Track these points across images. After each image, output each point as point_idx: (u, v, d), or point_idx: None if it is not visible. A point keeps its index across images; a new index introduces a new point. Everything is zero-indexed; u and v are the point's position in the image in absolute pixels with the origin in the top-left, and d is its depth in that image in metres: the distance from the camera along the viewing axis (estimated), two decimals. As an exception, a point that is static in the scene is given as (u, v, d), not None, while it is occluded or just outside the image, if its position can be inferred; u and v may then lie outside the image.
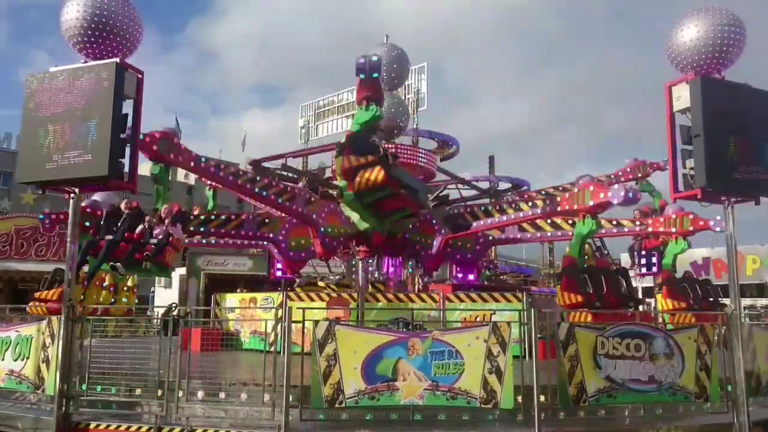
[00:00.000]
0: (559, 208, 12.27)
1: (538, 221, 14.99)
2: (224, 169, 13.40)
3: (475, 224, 15.14)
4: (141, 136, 10.05)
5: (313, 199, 15.50)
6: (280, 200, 14.27)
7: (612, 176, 17.26)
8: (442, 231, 15.62)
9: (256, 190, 13.81)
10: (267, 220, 15.57)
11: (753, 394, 8.77)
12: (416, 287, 18.46)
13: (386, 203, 13.01)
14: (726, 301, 10.68)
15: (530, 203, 14.00)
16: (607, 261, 14.15)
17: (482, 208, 15.65)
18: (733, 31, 9.03)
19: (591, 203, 11.19)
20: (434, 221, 15.88)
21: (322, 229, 14.90)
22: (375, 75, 11.73)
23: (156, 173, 12.28)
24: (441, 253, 15.87)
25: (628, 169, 17.50)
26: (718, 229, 13.56)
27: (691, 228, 14.12)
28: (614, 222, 14.40)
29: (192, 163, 12.26)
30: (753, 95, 9.00)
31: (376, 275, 17.63)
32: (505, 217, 14.52)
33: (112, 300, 15.28)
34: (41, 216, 14.98)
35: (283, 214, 15.08)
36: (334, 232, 15.11)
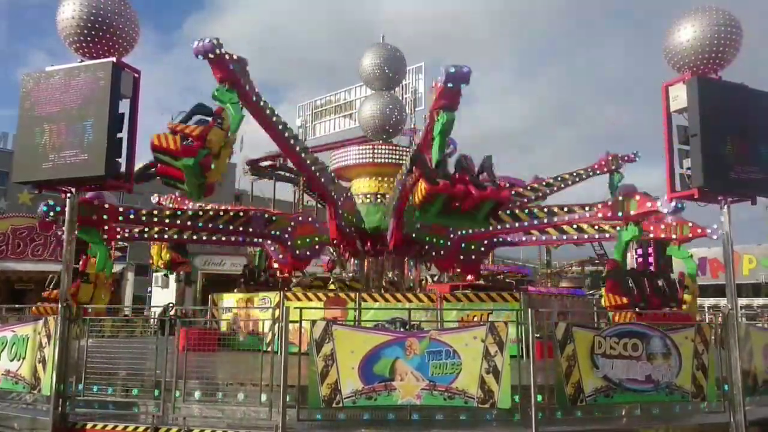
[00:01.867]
0: (600, 215, 12.34)
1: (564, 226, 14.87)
2: (277, 116, 12.44)
3: (508, 226, 14.83)
4: (217, 48, 9.71)
5: (274, 217, 15.50)
6: (231, 227, 14.41)
7: (588, 169, 18.45)
8: (458, 232, 15.49)
9: (200, 224, 14.00)
10: (274, 218, 15.58)
11: (749, 393, 8.80)
12: (420, 287, 18.48)
13: (454, 207, 12.03)
14: (721, 301, 10.69)
15: (565, 209, 13.82)
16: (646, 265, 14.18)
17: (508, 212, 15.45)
18: (730, 31, 9.04)
19: (636, 212, 11.56)
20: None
21: (289, 243, 14.90)
22: (463, 85, 10.70)
23: (220, 95, 10.58)
24: (454, 253, 15.76)
25: (602, 162, 18.58)
26: (715, 237, 13.64)
27: (690, 235, 14.10)
28: (565, 209, 14.19)
29: (254, 98, 11.24)
30: (749, 95, 9.03)
31: (389, 276, 17.64)
32: (536, 221, 14.13)
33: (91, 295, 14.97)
34: (44, 207, 14.01)
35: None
36: (304, 243, 15.01)
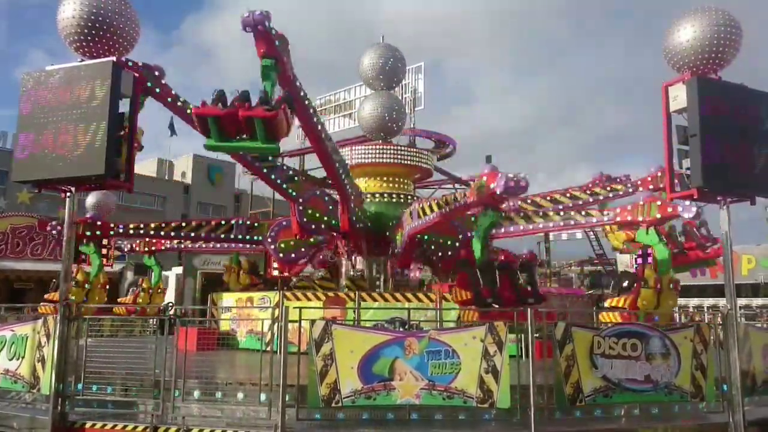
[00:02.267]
0: (619, 219, 11.84)
1: (532, 215, 14.85)
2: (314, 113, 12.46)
3: (521, 228, 14.77)
4: (266, 20, 9.08)
5: (256, 224, 15.80)
6: (213, 235, 14.99)
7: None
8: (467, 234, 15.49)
9: (182, 234, 14.72)
10: (256, 224, 15.73)
11: (748, 393, 8.79)
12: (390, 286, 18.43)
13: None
14: (720, 301, 10.64)
15: (583, 213, 13.70)
16: (512, 255, 13.07)
17: (521, 214, 15.42)
18: (730, 31, 9.04)
19: (658, 216, 11.12)
20: (456, 223, 15.79)
21: (273, 247, 15.02)
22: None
23: (267, 70, 9.70)
24: (409, 250, 15.83)
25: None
26: (686, 215, 12.88)
27: (658, 215, 13.26)
28: (583, 213, 14.03)
29: (292, 78, 10.54)
30: (749, 95, 9.03)
31: (354, 272, 17.71)
32: (551, 224, 14.01)
33: (85, 298, 15.39)
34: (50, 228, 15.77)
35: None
36: (288, 246, 14.97)
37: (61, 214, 13.69)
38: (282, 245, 15.17)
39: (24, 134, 8.88)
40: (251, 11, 9.08)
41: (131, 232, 15.87)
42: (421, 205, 14.66)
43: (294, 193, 14.53)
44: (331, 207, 15.35)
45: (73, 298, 12.77)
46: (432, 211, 13.87)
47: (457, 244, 15.46)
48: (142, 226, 15.90)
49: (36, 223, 28.54)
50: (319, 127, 13.02)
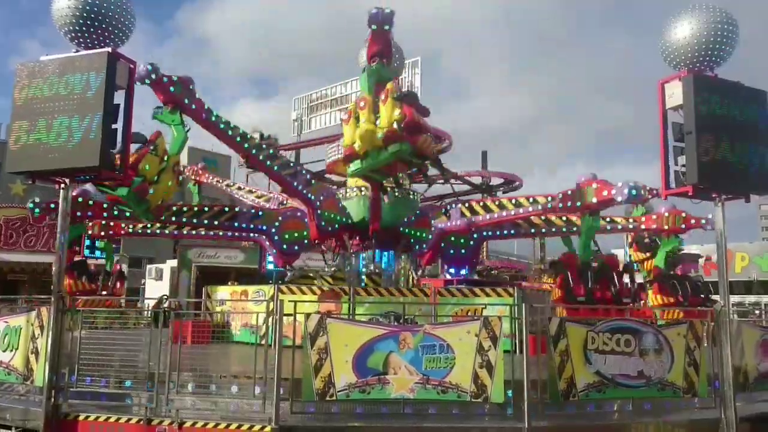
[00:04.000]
0: (561, 205, 12.31)
1: (532, 218, 15.07)
2: (233, 128, 12.83)
3: (474, 219, 15.16)
4: (153, 73, 10.10)
5: (261, 213, 15.64)
6: (215, 222, 14.58)
7: (550, 199, 14.04)
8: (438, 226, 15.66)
9: (261, 157, 13.71)
10: (260, 213, 15.56)
11: (740, 389, 8.86)
12: (410, 282, 18.49)
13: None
14: (716, 297, 10.79)
15: (531, 199, 14.06)
16: (615, 259, 13.80)
17: (481, 203, 15.76)
18: (726, 29, 9.06)
19: (594, 200, 11.43)
20: (429, 215, 15.94)
21: (276, 237, 15.01)
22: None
23: (161, 117, 11.23)
24: (435, 248, 15.90)
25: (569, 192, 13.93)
26: (709, 227, 13.90)
27: (683, 226, 14.48)
28: (608, 219, 14.51)
29: (204, 115, 11.64)
30: (744, 93, 9.05)
31: (371, 268, 17.65)
32: (504, 213, 14.60)
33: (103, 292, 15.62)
34: (30, 205, 15.07)
35: (277, 207, 15.11)
36: (331, 217, 15.18)
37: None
38: (285, 236, 15.20)
39: (18, 125, 8.82)
40: (139, 65, 9.76)
41: (127, 214, 14.84)
42: (467, 205, 15.02)
43: (312, 197, 14.61)
44: (306, 219, 15.44)
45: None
46: (488, 210, 14.54)
47: (430, 236, 15.74)
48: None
49: (29, 215, 28.40)
50: (254, 151, 13.45)
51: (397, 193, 16.35)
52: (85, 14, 8.95)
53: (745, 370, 9.10)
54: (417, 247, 16.33)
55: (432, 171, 24.72)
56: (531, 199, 14.16)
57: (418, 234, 16.04)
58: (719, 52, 9.12)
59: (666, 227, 14.48)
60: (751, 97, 9.06)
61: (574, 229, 14.79)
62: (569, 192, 12.02)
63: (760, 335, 9.69)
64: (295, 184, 14.21)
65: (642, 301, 14.74)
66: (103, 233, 17.82)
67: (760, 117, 9.06)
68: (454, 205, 16.48)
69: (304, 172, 15.27)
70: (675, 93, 8.95)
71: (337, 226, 15.39)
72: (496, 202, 15.56)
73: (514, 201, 15.04)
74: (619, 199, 11.06)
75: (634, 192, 10.77)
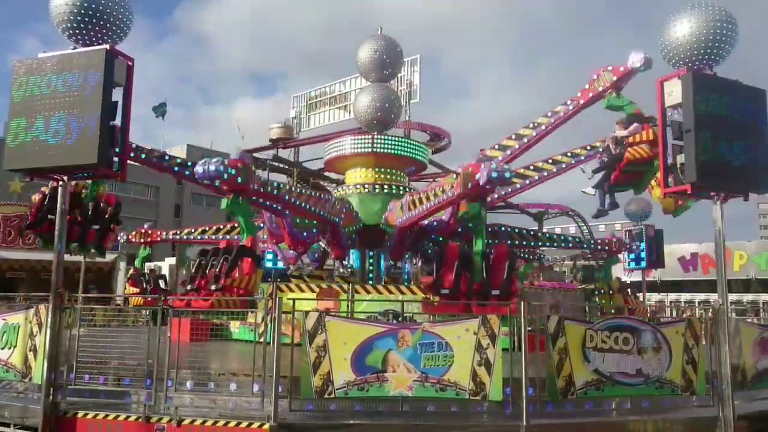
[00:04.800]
0: (451, 195, 12.17)
1: (523, 172, 15.06)
2: (286, 191, 13.69)
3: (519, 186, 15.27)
4: (222, 169, 10.49)
5: (337, 204, 15.75)
6: (322, 213, 14.77)
7: (568, 102, 14.14)
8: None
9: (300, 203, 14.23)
10: (337, 205, 15.82)
11: (738, 388, 8.87)
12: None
13: None
14: (712, 296, 10.78)
15: (550, 160, 14.01)
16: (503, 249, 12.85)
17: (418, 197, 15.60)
18: (725, 27, 9.04)
19: (614, 78, 11.99)
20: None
21: (289, 219, 15.15)
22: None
23: (229, 207, 11.67)
24: (399, 243, 16.00)
25: (587, 86, 13.66)
26: (637, 64, 12.68)
27: (614, 78, 12.85)
28: (569, 154, 14.37)
29: (267, 188, 12.51)
30: (744, 92, 9.04)
31: (391, 271, 17.78)
32: (415, 212, 14.49)
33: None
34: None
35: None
36: (303, 223, 15.45)
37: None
38: (297, 220, 15.33)
39: (16, 122, 8.79)
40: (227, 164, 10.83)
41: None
42: (411, 198, 14.77)
43: (337, 219, 15.01)
44: (354, 211, 15.61)
45: None
46: (420, 203, 13.98)
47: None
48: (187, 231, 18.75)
49: (28, 213, 28.34)
50: (288, 198, 13.68)
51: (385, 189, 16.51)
52: (83, 11, 8.90)
53: (743, 368, 9.11)
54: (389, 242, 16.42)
55: (431, 169, 24.78)
56: (433, 192, 13.65)
57: (389, 229, 16.15)
58: (718, 50, 9.10)
59: (600, 88, 13.10)
60: (751, 96, 9.05)
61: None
62: (458, 179, 11.64)
63: (758, 333, 9.71)
64: (326, 211, 14.59)
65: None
66: (142, 240, 19.54)
67: (759, 116, 9.05)
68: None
69: (326, 197, 15.52)
70: (674, 91, 8.94)
71: (354, 236, 15.60)
72: (425, 194, 14.69)
73: (418, 197, 14.60)
74: (482, 182, 10.61)
75: (495, 175, 10.44)
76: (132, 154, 13.80)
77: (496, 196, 14.57)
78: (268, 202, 13.90)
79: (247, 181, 11.22)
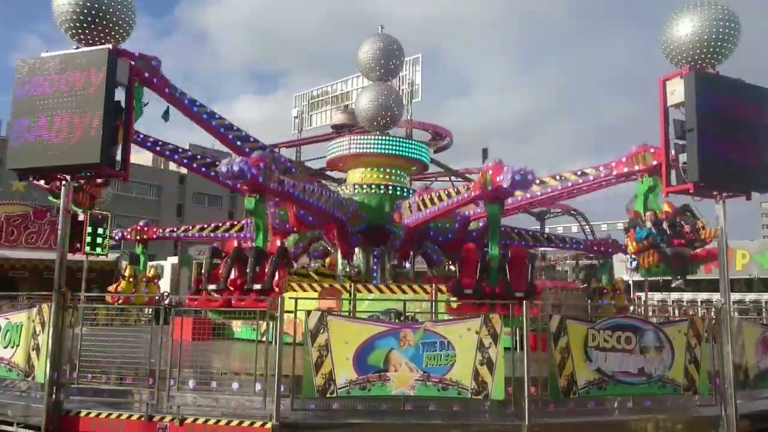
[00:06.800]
0: (615, 172, 12.25)
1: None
2: (303, 190, 13.44)
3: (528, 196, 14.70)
4: (246, 169, 10.34)
5: (294, 170, 15.80)
6: (335, 212, 14.90)
7: (601, 168, 13.73)
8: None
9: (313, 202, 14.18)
10: (343, 201, 15.98)
11: (741, 387, 8.86)
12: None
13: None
14: (714, 295, 10.77)
15: (578, 172, 13.67)
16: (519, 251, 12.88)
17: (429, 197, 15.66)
18: (728, 26, 9.02)
19: (654, 162, 11.26)
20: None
21: (349, 228, 15.44)
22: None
23: (252, 207, 11.26)
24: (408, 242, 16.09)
25: (624, 158, 13.04)
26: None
27: (654, 162, 12.80)
28: (578, 173, 13.96)
29: (285, 188, 12.06)
30: (746, 90, 9.02)
31: (397, 269, 17.83)
32: (428, 211, 14.54)
33: (133, 290, 16.11)
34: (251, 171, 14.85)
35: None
36: (356, 229, 15.71)
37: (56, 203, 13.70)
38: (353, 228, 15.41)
39: (18, 122, 8.81)
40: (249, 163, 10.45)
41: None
42: (421, 198, 14.78)
43: (343, 217, 15.11)
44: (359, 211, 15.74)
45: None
46: (432, 203, 13.99)
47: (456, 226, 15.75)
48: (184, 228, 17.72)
49: (30, 212, 28.39)
50: (302, 195, 13.41)
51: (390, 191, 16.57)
52: (85, 11, 8.93)
53: (745, 367, 9.10)
54: (440, 238, 16.45)
55: (433, 168, 24.80)
56: (579, 172, 13.40)
57: (395, 229, 16.19)
58: (721, 49, 9.08)
59: (637, 168, 12.84)
60: (753, 95, 9.03)
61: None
62: (477, 181, 11.60)
63: (760, 332, 9.70)
64: (331, 207, 14.56)
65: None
66: (138, 238, 19.34)
67: (761, 114, 9.04)
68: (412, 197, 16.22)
69: (330, 193, 15.51)
70: (676, 90, 8.92)
71: (358, 235, 15.67)
72: (437, 194, 14.76)
73: (438, 194, 14.50)
74: (505, 185, 10.56)
75: (518, 177, 10.37)
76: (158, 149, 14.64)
77: (510, 200, 14.44)
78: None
79: (267, 181, 11.12)
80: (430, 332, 7.89)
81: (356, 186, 17.03)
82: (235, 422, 7.60)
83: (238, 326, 14.58)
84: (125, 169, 8.96)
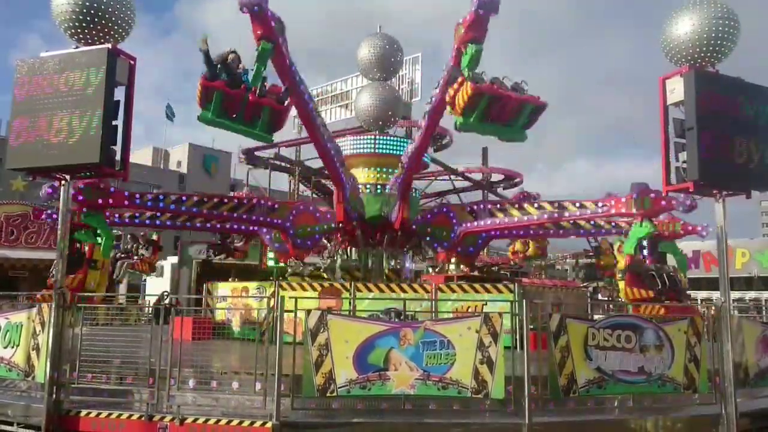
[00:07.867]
0: (613, 211, 13.42)
1: (527, 208, 15.14)
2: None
3: (489, 222, 15.28)
4: (264, 3, 9.55)
5: (276, 206, 15.75)
6: (235, 214, 14.79)
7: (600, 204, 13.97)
8: (461, 224, 15.68)
9: (204, 210, 14.39)
10: (276, 206, 15.75)
11: (741, 385, 8.86)
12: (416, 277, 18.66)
13: (494, 113, 10.60)
14: (714, 294, 10.91)
15: (577, 204, 14.17)
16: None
17: (497, 205, 15.94)
18: (727, 24, 9.02)
19: (650, 208, 12.67)
20: (451, 214, 16.02)
21: (291, 231, 15.23)
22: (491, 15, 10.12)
23: (267, 48, 10.04)
24: (457, 245, 16.06)
25: (623, 199, 13.43)
26: (704, 234, 14.84)
27: (681, 232, 15.19)
28: (577, 204, 14.32)
29: (289, 62, 11.22)
30: (746, 89, 9.03)
31: (392, 265, 17.83)
32: (546, 215, 14.70)
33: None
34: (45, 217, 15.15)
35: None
36: (305, 232, 15.47)
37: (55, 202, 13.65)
38: (299, 230, 15.35)
39: (18, 121, 8.81)
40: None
41: (149, 203, 14.40)
42: (499, 206, 15.49)
43: (344, 179, 14.78)
44: (318, 214, 15.68)
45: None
46: (540, 209, 14.54)
47: (452, 235, 15.70)
48: (161, 197, 14.53)
49: (30, 212, 28.42)
50: (315, 115, 13.19)
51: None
52: (84, 10, 8.91)
53: (745, 365, 9.11)
54: (436, 245, 16.48)
55: (433, 167, 24.79)
56: (577, 204, 14.13)
57: (437, 232, 16.09)
58: (721, 48, 9.08)
59: (666, 233, 15.01)
60: (753, 93, 9.03)
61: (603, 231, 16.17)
62: (625, 200, 12.99)
63: (760, 331, 9.71)
64: (337, 161, 14.38)
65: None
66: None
67: (761, 113, 9.03)
68: (481, 205, 16.32)
69: (262, 203, 15.52)
70: (676, 89, 8.93)
71: (317, 236, 15.72)
72: (535, 205, 15.09)
73: (557, 204, 14.59)
74: (681, 209, 12.88)
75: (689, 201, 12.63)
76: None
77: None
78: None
79: (280, 34, 10.30)
80: (430, 331, 7.89)
81: (360, 186, 17.04)
82: (235, 422, 7.61)
83: (238, 326, 14.58)
84: (125, 169, 8.96)
